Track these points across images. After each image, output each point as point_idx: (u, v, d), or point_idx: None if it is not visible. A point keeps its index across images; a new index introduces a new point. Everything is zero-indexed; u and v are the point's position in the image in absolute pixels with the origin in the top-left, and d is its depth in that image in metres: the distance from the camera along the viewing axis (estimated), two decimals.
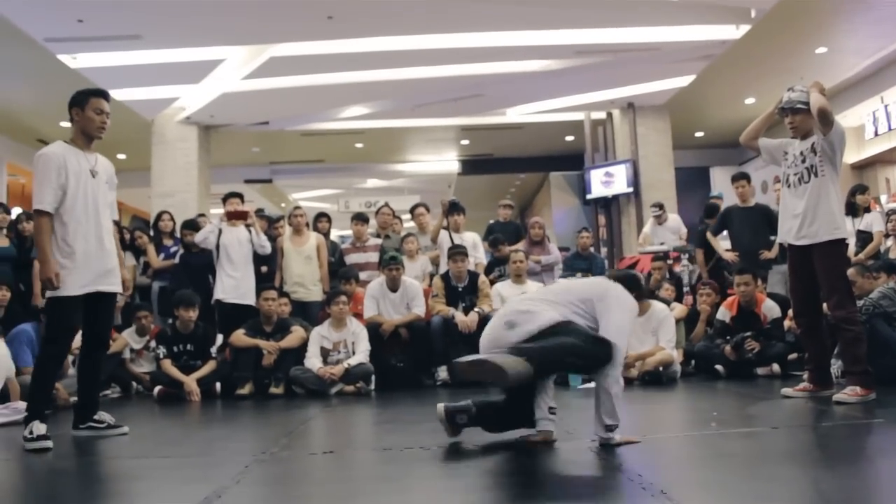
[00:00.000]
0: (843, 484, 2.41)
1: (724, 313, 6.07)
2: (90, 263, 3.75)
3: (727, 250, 7.27)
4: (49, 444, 3.52)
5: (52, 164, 3.67)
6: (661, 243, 9.21)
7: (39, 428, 3.55)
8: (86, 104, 3.81)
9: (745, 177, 7.25)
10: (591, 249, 8.61)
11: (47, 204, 3.64)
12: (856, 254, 6.77)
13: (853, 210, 7.13)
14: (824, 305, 4.33)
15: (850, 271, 5.23)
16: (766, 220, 6.95)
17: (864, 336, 4.21)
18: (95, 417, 3.89)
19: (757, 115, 4.62)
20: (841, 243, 4.23)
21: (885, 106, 11.00)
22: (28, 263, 6.40)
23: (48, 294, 3.71)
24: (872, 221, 7.12)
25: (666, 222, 9.37)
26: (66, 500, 2.70)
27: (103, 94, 3.90)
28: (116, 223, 4.40)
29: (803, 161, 4.24)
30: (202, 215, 8.43)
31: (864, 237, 7.01)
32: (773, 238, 6.91)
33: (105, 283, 3.83)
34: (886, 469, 2.63)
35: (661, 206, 9.40)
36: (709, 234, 7.53)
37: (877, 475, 2.58)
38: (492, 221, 8.49)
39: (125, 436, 3.86)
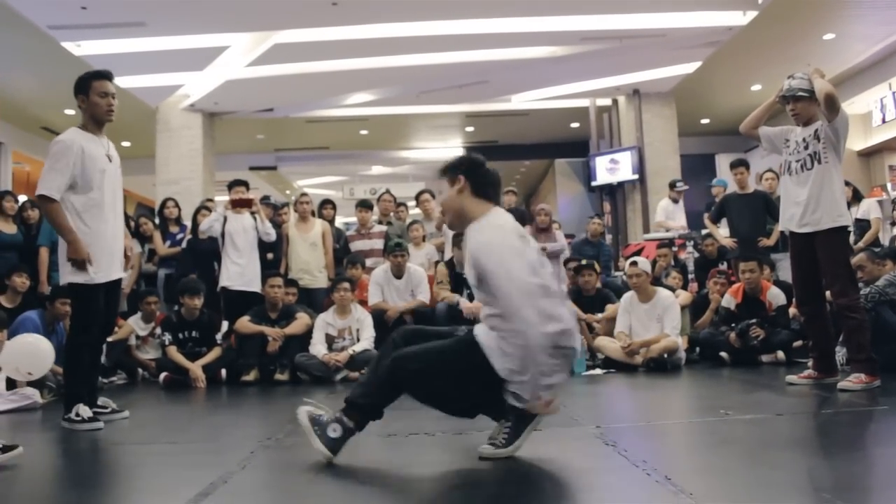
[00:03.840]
0: (845, 470, 2.41)
1: (728, 300, 6.06)
2: (110, 249, 3.80)
3: (726, 237, 7.27)
4: (101, 424, 3.61)
5: (70, 153, 3.65)
6: (667, 230, 9.23)
7: (85, 411, 3.62)
8: (89, 89, 3.78)
9: (744, 164, 7.24)
10: (602, 237, 8.66)
11: (55, 191, 3.62)
12: (854, 242, 6.75)
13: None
14: (827, 293, 4.32)
15: (861, 256, 5.22)
16: (764, 207, 6.94)
17: (867, 323, 4.20)
18: (99, 403, 3.93)
19: (763, 101, 4.60)
20: (843, 231, 4.22)
21: (893, 93, 10.93)
22: (34, 251, 6.41)
23: (70, 280, 3.68)
24: (870, 209, 7.10)
25: (680, 202, 9.47)
26: (73, 485, 2.72)
27: (105, 76, 3.83)
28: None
29: (806, 147, 4.22)
30: (210, 200, 8.43)
31: (863, 225, 7.00)
32: (770, 228, 6.91)
33: (119, 269, 3.93)
34: (889, 456, 2.63)
35: (682, 181, 9.57)
36: (707, 221, 7.52)
37: (879, 462, 2.58)
38: None
39: (132, 420, 3.91)
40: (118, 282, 3.99)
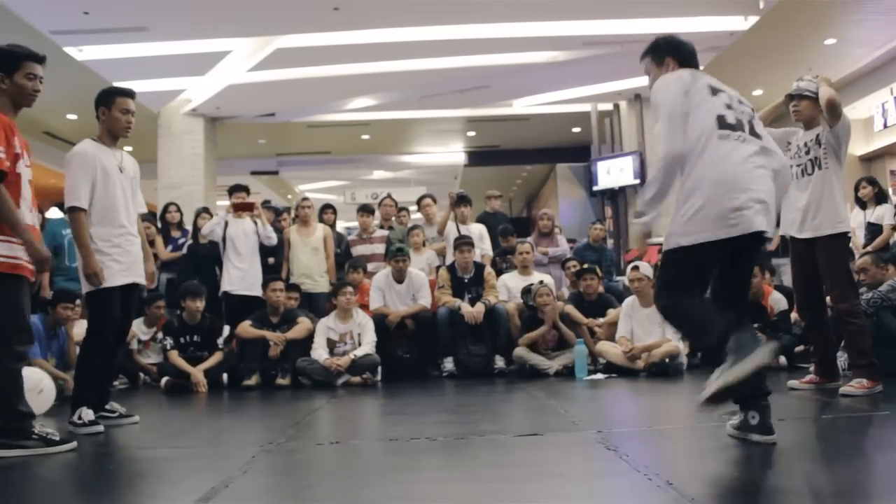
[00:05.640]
0: (847, 476, 2.40)
1: None
2: (122, 256, 3.85)
3: None
4: (101, 428, 3.65)
5: (87, 163, 3.76)
6: None
7: (88, 414, 3.68)
8: (112, 104, 3.86)
9: None
10: (604, 242, 8.63)
11: (84, 201, 3.73)
12: (864, 245, 6.72)
13: (861, 203, 7.08)
14: (828, 298, 4.32)
15: (865, 259, 5.21)
16: None
17: (868, 329, 4.20)
18: (107, 407, 3.93)
19: (764, 106, 4.60)
20: (843, 237, 4.22)
21: (895, 97, 10.93)
22: None
23: (87, 290, 3.76)
24: (884, 214, 7.03)
25: None
26: (75, 489, 2.72)
27: (130, 94, 3.95)
28: (143, 217, 4.44)
29: (807, 152, 4.23)
30: (206, 209, 8.43)
31: (874, 229, 6.94)
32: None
33: (137, 275, 3.96)
34: (891, 461, 2.62)
35: None
36: None
37: (881, 467, 2.57)
38: (481, 213, 8.38)
39: (135, 425, 3.90)
40: (135, 290, 4.00)
